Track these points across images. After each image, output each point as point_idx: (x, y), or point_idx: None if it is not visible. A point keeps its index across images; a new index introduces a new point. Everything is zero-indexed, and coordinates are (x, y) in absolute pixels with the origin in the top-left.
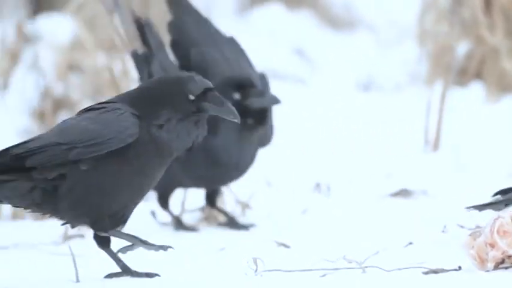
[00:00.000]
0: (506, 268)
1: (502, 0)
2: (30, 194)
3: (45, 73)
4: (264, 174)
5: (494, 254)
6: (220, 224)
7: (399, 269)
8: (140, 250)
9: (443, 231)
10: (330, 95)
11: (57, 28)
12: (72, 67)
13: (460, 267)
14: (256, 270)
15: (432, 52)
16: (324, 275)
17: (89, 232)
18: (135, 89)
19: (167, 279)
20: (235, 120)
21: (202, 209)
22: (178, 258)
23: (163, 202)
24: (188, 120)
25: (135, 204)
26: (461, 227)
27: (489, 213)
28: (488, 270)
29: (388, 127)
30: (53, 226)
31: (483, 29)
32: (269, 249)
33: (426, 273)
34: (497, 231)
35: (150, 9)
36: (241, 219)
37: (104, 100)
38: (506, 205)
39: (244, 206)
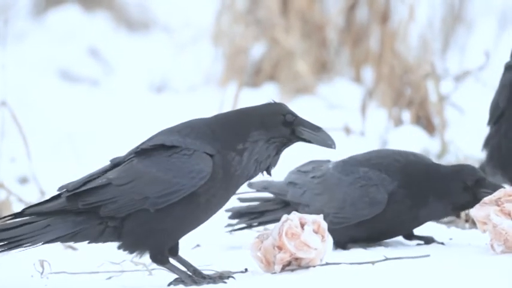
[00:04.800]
0: (292, 270)
1: (299, 3)
2: (101, 236)
3: None
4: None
5: (282, 256)
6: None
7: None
8: None
9: (231, 234)
10: (123, 97)
11: None
12: None
13: (246, 270)
14: (42, 273)
15: (227, 53)
16: (110, 278)
17: None
18: (215, 117)
19: None
20: (332, 147)
21: None
22: None
23: None
24: (274, 144)
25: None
26: (250, 229)
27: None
28: (274, 272)
29: None
30: None
31: (279, 30)
32: (56, 252)
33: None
34: (286, 234)
35: None
36: None
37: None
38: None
39: None
